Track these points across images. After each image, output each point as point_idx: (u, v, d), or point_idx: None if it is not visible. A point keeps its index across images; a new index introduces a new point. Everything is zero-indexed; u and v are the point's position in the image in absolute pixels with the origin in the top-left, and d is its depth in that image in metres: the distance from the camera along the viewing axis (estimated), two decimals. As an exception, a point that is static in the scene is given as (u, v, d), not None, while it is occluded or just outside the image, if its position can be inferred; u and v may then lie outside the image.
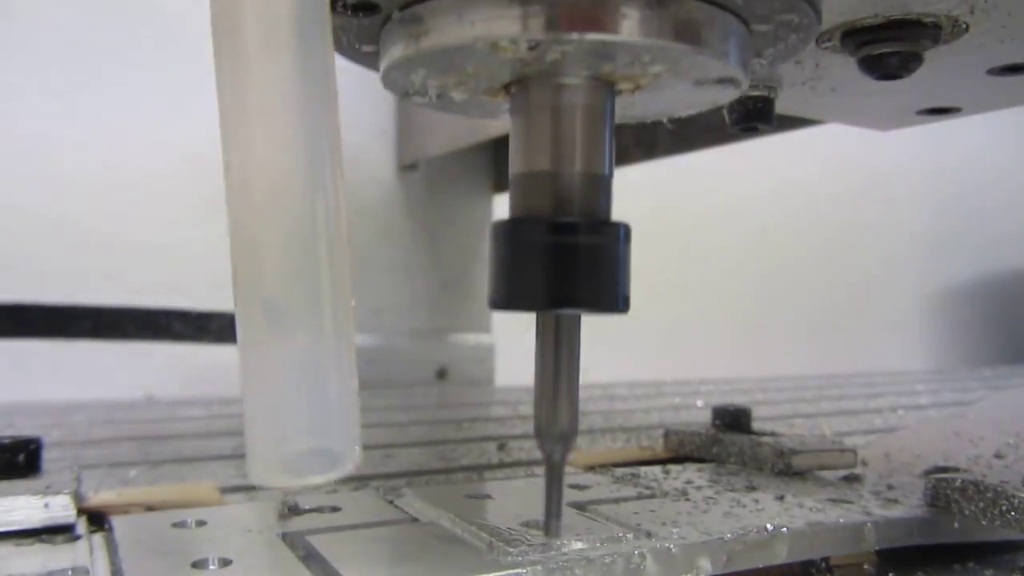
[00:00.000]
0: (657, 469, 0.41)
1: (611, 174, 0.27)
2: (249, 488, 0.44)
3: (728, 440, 0.44)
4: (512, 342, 1.14)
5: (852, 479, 0.40)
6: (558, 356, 0.27)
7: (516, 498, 0.35)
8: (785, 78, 0.36)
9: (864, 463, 0.43)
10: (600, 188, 0.26)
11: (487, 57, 0.25)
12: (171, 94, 1.03)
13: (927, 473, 0.39)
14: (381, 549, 0.29)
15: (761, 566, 0.29)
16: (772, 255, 1.66)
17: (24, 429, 0.60)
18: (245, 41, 0.21)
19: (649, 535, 0.29)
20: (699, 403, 0.85)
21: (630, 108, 0.29)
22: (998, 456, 0.41)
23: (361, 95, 1.03)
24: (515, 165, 0.27)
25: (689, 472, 0.41)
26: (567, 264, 0.25)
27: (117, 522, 0.31)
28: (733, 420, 0.47)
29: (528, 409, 0.79)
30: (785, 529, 0.30)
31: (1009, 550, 0.33)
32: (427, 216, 1.09)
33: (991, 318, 1.97)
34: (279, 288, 0.21)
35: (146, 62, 1.04)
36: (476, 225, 1.13)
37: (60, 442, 0.58)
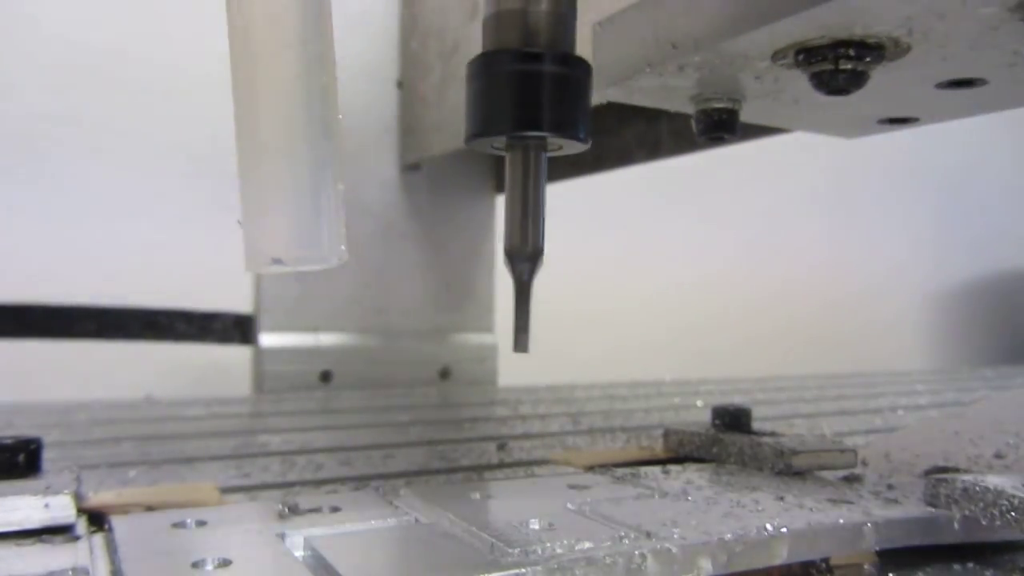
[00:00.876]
0: (657, 469, 0.41)
1: (575, 16, 0.29)
2: (249, 488, 0.44)
3: (728, 440, 0.44)
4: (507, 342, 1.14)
5: (852, 479, 0.40)
6: (525, 185, 0.29)
7: (516, 498, 0.35)
8: (749, 91, 0.38)
9: (864, 463, 0.43)
10: (565, 24, 0.29)
11: None
12: (175, 94, 1.03)
13: (927, 473, 0.39)
14: (381, 549, 0.29)
15: (761, 566, 0.29)
16: (772, 255, 1.66)
17: (24, 429, 0.60)
18: None
19: (649, 535, 0.29)
20: (699, 403, 0.85)
21: None
22: (998, 456, 0.41)
23: (364, 95, 1.03)
24: (488, 7, 0.29)
25: (689, 472, 0.41)
26: (533, 90, 0.27)
27: (117, 522, 0.31)
28: (733, 420, 0.47)
29: (526, 409, 0.79)
30: (785, 529, 0.30)
31: (1009, 550, 0.33)
32: (430, 216, 1.09)
33: (992, 318, 1.97)
34: (281, 116, 0.23)
35: (150, 62, 1.04)
36: (479, 225, 1.13)
37: (60, 442, 0.58)
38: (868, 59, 0.32)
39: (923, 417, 0.79)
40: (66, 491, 0.32)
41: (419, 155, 1.04)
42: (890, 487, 0.37)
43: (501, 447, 0.56)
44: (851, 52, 0.32)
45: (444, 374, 1.09)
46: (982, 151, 1.86)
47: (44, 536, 0.30)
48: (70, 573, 0.26)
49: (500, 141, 0.29)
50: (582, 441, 0.60)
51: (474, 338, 1.12)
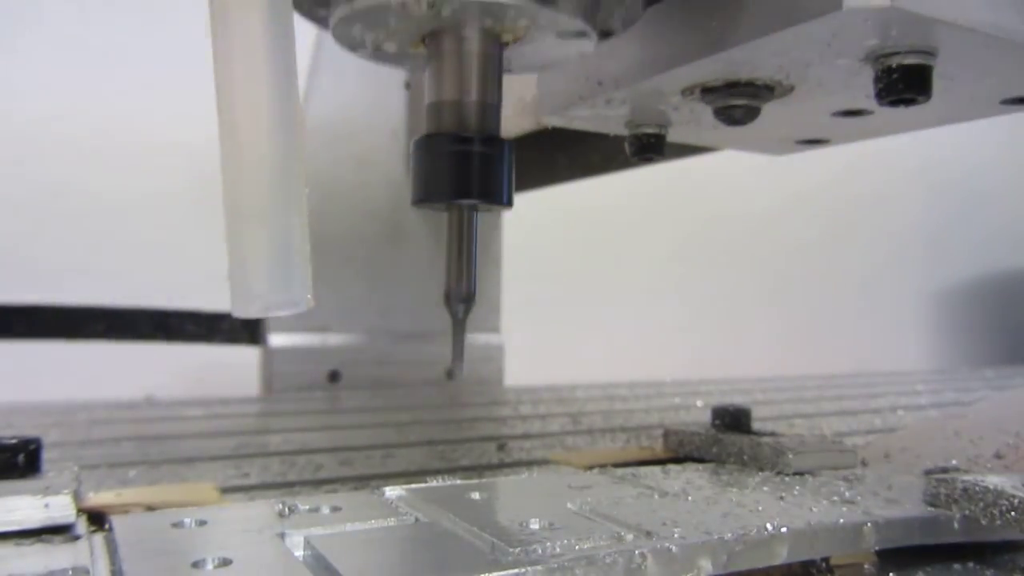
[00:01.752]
0: (657, 469, 0.41)
1: (500, 104, 0.35)
2: (249, 488, 0.44)
3: (728, 440, 0.44)
4: (522, 342, 1.14)
5: (852, 479, 0.40)
6: (460, 240, 0.36)
7: (516, 498, 0.35)
8: (672, 118, 0.45)
9: (864, 463, 0.43)
10: (491, 113, 0.35)
11: (402, 14, 0.33)
12: (176, 96, 1.03)
13: (927, 473, 0.39)
14: (381, 549, 0.29)
15: (761, 566, 0.29)
16: (772, 255, 1.66)
17: (24, 429, 0.60)
18: (229, 13, 0.29)
19: (649, 535, 0.29)
20: (699, 403, 0.85)
21: (521, 59, 0.37)
22: (998, 456, 0.41)
23: (372, 99, 1.03)
24: (429, 96, 0.35)
25: (689, 472, 0.41)
26: (465, 167, 0.34)
27: (117, 522, 0.31)
28: (733, 420, 0.47)
29: (527, 408, 0.79)
30: (785, 529, 0.30)
31: (1009, 550, 0.33)
32: (437, 217, 1.09)
33: (992, 318, 1.97)
34: (260, 191, 0.30)
35: (149, 64, 1.04)
36: (486, 226, 1.12)
37: (60, 442, 0.58)
38: (760, 96, 0.39)
39: (923, 417, 0.79)
40: (66, 491, 0.32)
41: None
42: (890, 487, 0.37)
43: (501, 447, 0.56)
44: (744, 91, 0.38)
45: (450, 374, 1.09)
46: (982, 151, 1.86)
47: (44, 536, 0.30)
48: (70, 573, 0.26)
49: (441, 204, 0.36)
50: (582, 441, 0.60)
51: (480, 338, 1.11)
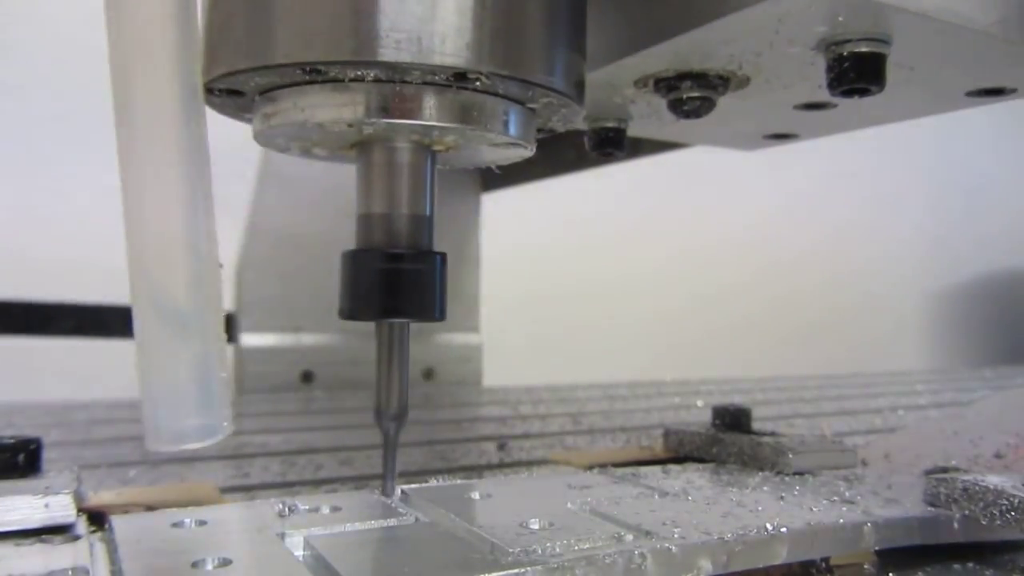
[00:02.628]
0: (657, 469, 0.41)
1: (432, 214, 0.34)
2: (249, 488, 0.44)
3: (728, 440, 0.44)
4: (500, 342, 1.14)
5: (852, 479, 0.40)
6: (391, 356, 0.35)
7: (516, 498, 0.35)
8: (631, 111, 0.43)
9: (864, 463, 0.43)
10: (423, 225, 0.33)
11: (322, 131, 0.31)
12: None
13: (927, 473, 0.39)
14: (381, 549, 0.29)
15: (761, 566, 0.29)
16: (772, 255, 1.66)
17: (24, 429, 0.60)
18: (137, 121, 0.27)
19: (649, 535, 0.29)
20: (699, 403, 0.85)
21: (453, 160, 0.36)
22: (998, 456, 0.41)
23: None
24: (359, 207, 0.33)
25: (689, 472, 0.41)
26: (395, 284, 0.32)
27: (117, 522, 0.31)
28: (733, 420, 0.47)
29: (525, 409, 0.79)
30: (785, 529, 0.30)
31: (1009, 550, 0.33)
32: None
33: (992, 318, 1.97)
34: (175, 313, 0.28)
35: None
36: (463, 225, 1.12)
37: (60, 442, 0.58)
38: (714, 88, 0.37)
39: (923, 417, 0.79)
40: (66, 491, 0.32)
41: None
42: (890, 487, 0.37)
43: (501, 447, 0.56)
44: (697, 82, 0.37)
45: (428, 375, 1.08)
46: (983, 151, 1.86)
47: (44, 536, 0.30)
48: (70, 573, 0.26)
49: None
50: (582, 441, 0.60)
51: (459, 338, 1.10)
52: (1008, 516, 0.31)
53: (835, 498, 0.35)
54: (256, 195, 0.98)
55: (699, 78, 0.37)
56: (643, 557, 0.27)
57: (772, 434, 0.45)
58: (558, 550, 0.27)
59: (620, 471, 0.41)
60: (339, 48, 0.28)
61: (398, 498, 0.35)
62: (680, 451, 0.48)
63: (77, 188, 1.02)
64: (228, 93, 0.32)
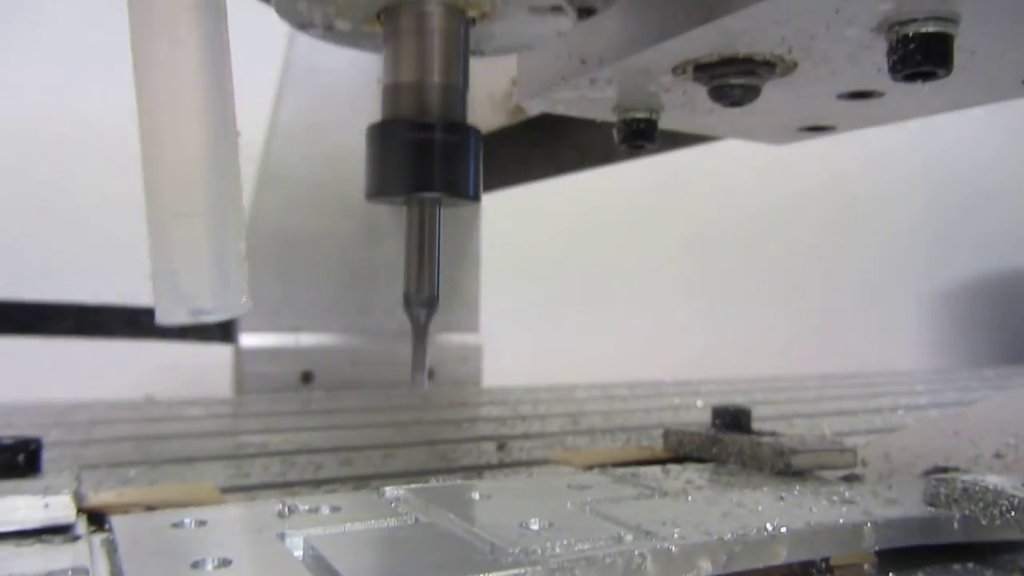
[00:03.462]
0: (657, 469, 0.41)
1: (466, 86, 0.32)
2: (249, 488, 0.44)
3: (728, 440, 0.44)
4: (500, 343, 1.14)
5: (852, 479, 0.40)
6: (421, 238, 0.32)
7: (516, 498, 0.35)
8: (664, 102, 0.41)
9: (864, 463, 0.43)
10: (455, 96, 0.31)
11: None
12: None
13: (927, 473, 0.39)
14: (381, 549, 0.29)
15: (761, 566, 0.29)
16: (772, 255, 1.66)
17: (24, 429, 0.60)
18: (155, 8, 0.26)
19: (649, 535, 0.29)
20: (699, 403, 0.85)
21: (490, 39, 0.33)
22: (998, 456, 0.41)
23: (345, 95, 1.02)
24: (387, 78, 0.31)
25: (689, 472, 0.41)
26: (427, 157, 0.30)
27: (117, 522, 0.31)
28: (733, 420, 0.47)
29: (525, 409, 0.79)
30: (785, 529, 0.30)
31: (1009, 550, 0.33)
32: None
33: (992, 318, 1.97)
34: (192, 181, 0.26)
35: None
36: (462, 224, 1.11)
37: (60, 442, 0.58)
38: (759, 74, 0.35)
39: (923, 417, 0.79)
40: (66, 491, 0.32)
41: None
42: (890, 487, 0.37)
43: (501, 447, 0.56)
44: (742, 68, 0.35)
45: (428, 374, 1.07)
46: (983, 150, 1.86)
47: (44, 536, 0.30)
48: (70, 573, 0.26)
49: (400, 198, 0.32)
50: (582, 441, 0.60)
51: (458, 338, 1.10)
52: (1008, 516, 0.31)
53: (835, 498, 0.35)
54: (256, 195, 0.98)
55: (744, 63, 0.34)
56: (643, 557, 0.27)
57: (772, 434, 0.45)
58: (558, 550, 0.27)
59: (620, 471, 0.41)
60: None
61: (398, 498, 0.35)
62: (680, 451, 0.48)
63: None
64: None
